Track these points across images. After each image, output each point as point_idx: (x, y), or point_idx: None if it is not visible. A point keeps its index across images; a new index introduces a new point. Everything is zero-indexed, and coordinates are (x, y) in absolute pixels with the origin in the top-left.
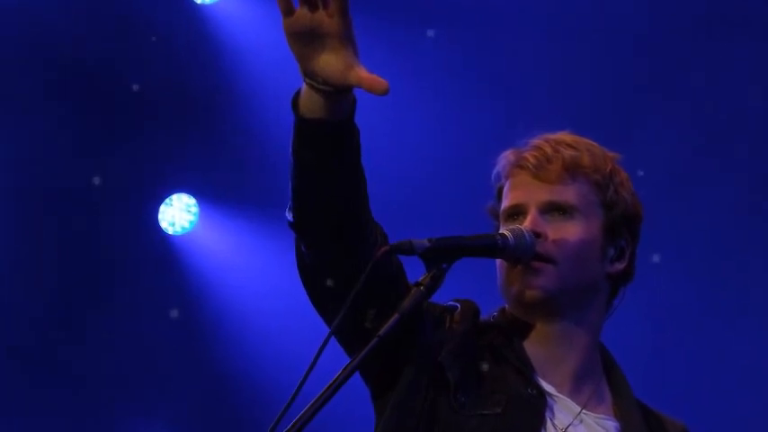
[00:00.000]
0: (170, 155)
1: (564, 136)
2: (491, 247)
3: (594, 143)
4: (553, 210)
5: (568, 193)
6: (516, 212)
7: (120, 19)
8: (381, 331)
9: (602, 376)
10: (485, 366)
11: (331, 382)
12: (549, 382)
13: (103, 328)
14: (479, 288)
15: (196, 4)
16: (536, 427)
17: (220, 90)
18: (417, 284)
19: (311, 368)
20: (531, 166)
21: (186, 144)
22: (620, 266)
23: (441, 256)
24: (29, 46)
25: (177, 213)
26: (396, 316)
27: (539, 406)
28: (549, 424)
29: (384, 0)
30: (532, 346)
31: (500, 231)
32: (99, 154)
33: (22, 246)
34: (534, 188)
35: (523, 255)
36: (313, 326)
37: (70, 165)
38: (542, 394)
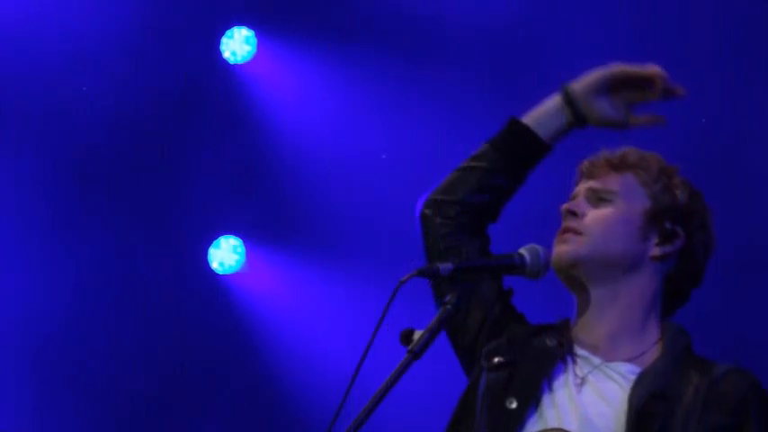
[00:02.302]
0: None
1: (625, 149)
2: (509, 265)
3: (655, 154)
4: (596, 195)
5: (609, 182)
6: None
7: (164, 84)
8: (416, 348)
9: (652, 350)
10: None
11: (373, 396)
12: (584, 348)
13: (157, 364)
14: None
15: (230, 64)
16: (548, 370)
17: (256, 139)
18: (445, 303)
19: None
20: (585, 170)
21: (231, 191)
22: (664, 250)
23: (465, 276)
24: (86, 106)
25: (225, 254)
26: (427, 334)
27: (558, 354)
28: (569, 370)
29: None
30: (573, 328)
31: (518, 251)
32: (152, 208)
33: (75, 288)
34: (585, 183)
35: (539, 270)
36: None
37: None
38: (563, 345)
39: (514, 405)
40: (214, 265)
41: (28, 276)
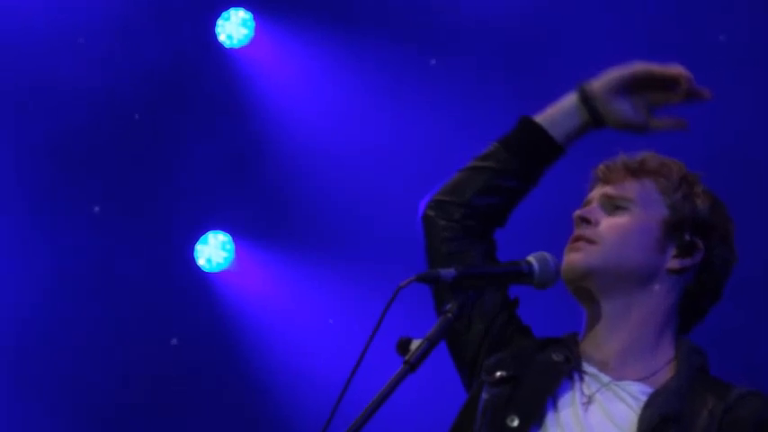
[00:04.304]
0: (206, 195)
1: (645, 153)
2: (516, 273)
3: (677, 161)
4: (611, 202)
5: (626, 189)
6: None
7: (154, 67)
8: (413, 358)
9: (665, 370)
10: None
11: (365, 408)
12: (592, 365)
13: (138, 363)
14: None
15: (225, 48)
16: (553, 386)
17: (250, 129)
18: (445, 312)
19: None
20: (601, 175)
21: (221, 184)
22: (682, 263)
23: (468, 283)
24: (69, 87)
25: (213, 251)
26: (425, 344)
27: (564, 370)
28: (576, 387)
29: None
30: (582, 342)
31: (526, 259)
32: (137, 198)
33: (50, 282)
34: (600, 188)
35: (549, 280)
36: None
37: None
38: (570, 361)
39: (516, 423)
40: (201, 263)
41: None
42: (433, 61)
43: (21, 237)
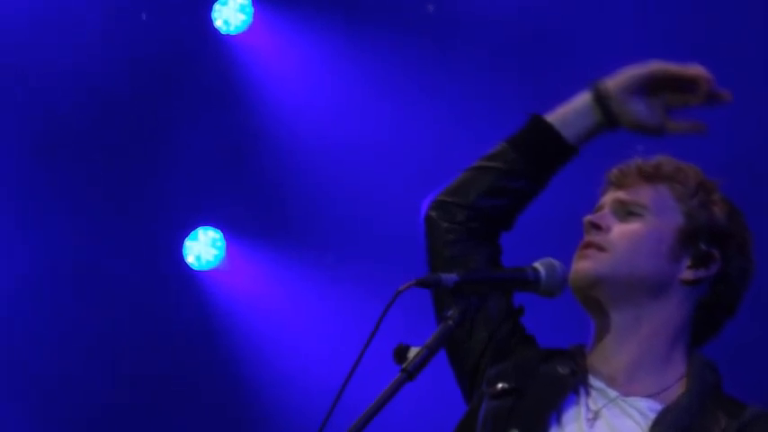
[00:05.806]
0: (197, 188)
1: (660, 158)
2: (521, 280)
3: (693, 166)
4: (624, 208)
5: (639, 194)
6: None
7: (144, 52)
8: (410, 367)
9: (675, 386)
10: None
11: (359, 418)
12: (599, 379)
13: (123, 363)
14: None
15: (221, 34)
16: (558, 400)
17: (246, 121)
18: (446, 319)
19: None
20: (614, 179)
21: (213, 178)
22: (697, 274)
23: (470, 289)
24: (58, 79)
25: (203, 248)
26: (424, 351)
27: (570, 384)
28: (582, 402)
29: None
30: (589, 355)
31: (532, 265)
32: (123, 191)
33: (29, 277)
34: (613, 193)
35: (555, 288)
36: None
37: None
38: (576, 374)
39: None
40: (190, 260)
41: None
42: (431, 7)
43: (4, 233)
